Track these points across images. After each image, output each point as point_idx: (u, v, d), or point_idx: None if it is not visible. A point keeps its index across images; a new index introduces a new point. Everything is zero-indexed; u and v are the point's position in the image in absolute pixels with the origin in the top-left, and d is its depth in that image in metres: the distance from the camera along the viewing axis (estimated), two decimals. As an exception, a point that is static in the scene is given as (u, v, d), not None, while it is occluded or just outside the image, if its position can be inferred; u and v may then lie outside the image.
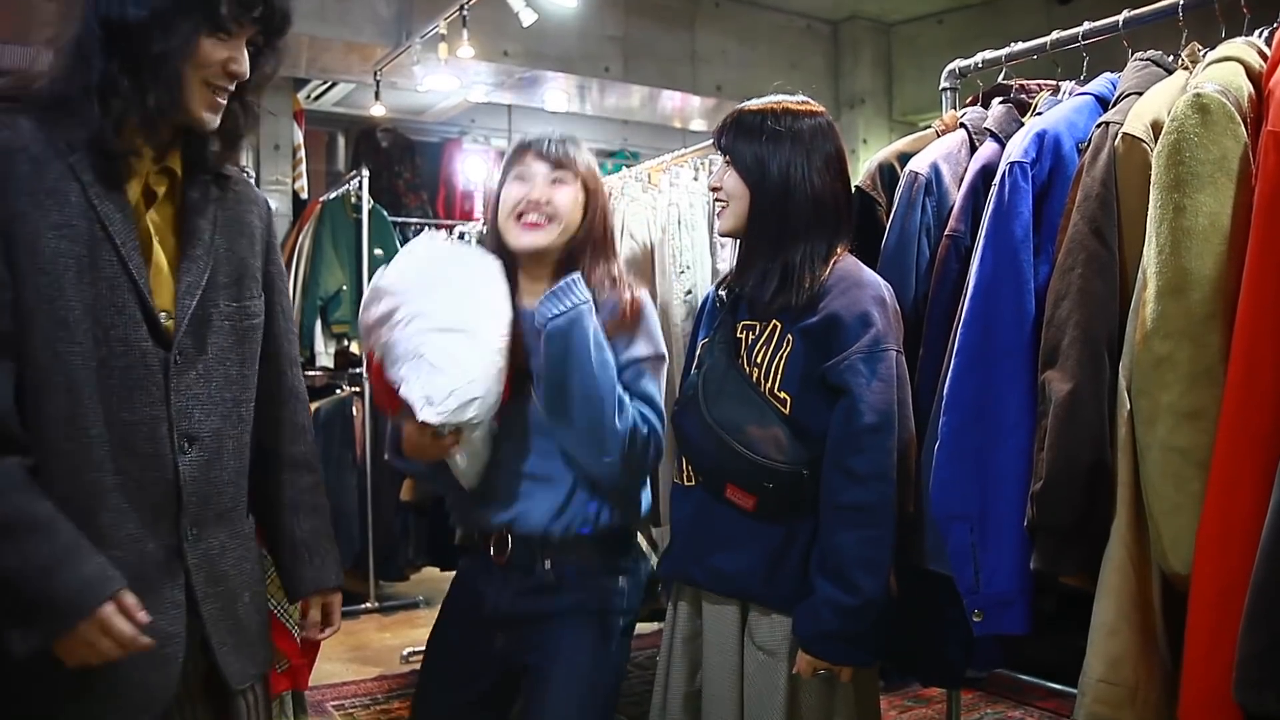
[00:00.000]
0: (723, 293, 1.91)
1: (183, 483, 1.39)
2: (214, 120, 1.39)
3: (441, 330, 1.68)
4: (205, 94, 1.37)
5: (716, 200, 1.88)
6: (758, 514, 1.74)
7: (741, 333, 1.83)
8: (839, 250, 1.81)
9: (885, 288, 1.77)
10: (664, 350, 1.92)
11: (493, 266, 1.83)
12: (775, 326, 1.77)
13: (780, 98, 1.87)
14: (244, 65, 1.38)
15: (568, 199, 1.85)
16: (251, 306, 1.50)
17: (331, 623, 1.67)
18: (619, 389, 1.78)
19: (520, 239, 1.84)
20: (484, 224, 1.97)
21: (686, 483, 1.85)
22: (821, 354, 1.71)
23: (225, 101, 1.39)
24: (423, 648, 2.03)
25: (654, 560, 2.14)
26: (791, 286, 1.75)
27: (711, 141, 1.90)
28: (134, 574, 1.30)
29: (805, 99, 1.89)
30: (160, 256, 1.40)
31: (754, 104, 1.86)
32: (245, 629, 1.49)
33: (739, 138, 1.82)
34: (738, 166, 1.81)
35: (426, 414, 1.64)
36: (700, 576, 1.82)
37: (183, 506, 1.39)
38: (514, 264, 1.88)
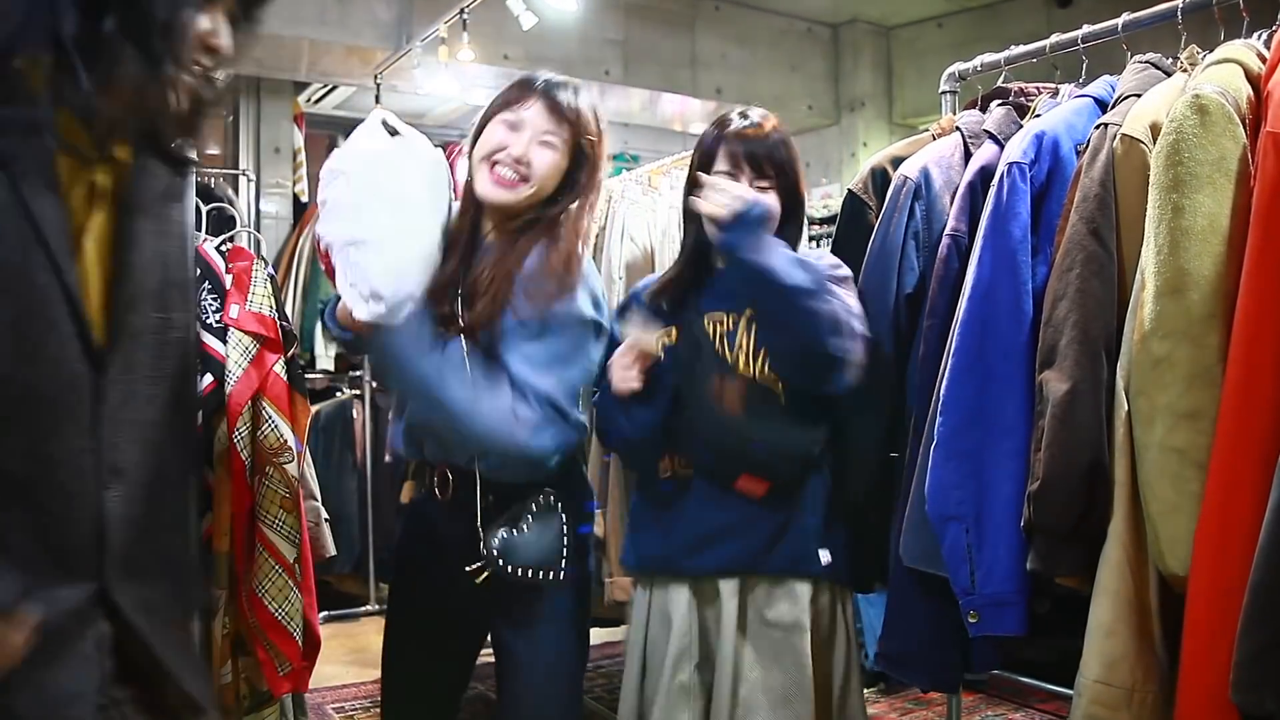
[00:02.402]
0: (663, 302, 1.91)
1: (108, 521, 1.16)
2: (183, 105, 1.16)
3: (384, 222, 1.64)
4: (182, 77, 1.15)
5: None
6: (767, 497, 1.78)
7: (710, 325, 1.84)
8: None
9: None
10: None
11: (437, 166, 1.76)
12: (750, 314, 1.81)
13: (761, 111, 1.89)
14: (225, 39, 1.17)
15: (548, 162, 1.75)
16: (176, 319, 1.27)
17: None
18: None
19: (489, 192, 1.75)
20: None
21: (680, 471, 1.85)
22: None
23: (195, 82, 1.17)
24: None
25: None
26: None
27: (737, 160, 1.82)
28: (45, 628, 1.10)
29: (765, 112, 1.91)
30: (91, 261, 1.17)
31: (760, 119, 1.86)
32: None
33: (788, 152, 1.84)
34: (782, 184, 1.83)
35: (360, 311, 1.62)
36: (704, 564, 1.81)
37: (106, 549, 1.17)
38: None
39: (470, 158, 1.79)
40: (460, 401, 1.66)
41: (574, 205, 1.78)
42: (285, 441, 2.29)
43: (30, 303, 1.08)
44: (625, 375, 1.79)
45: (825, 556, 1.79)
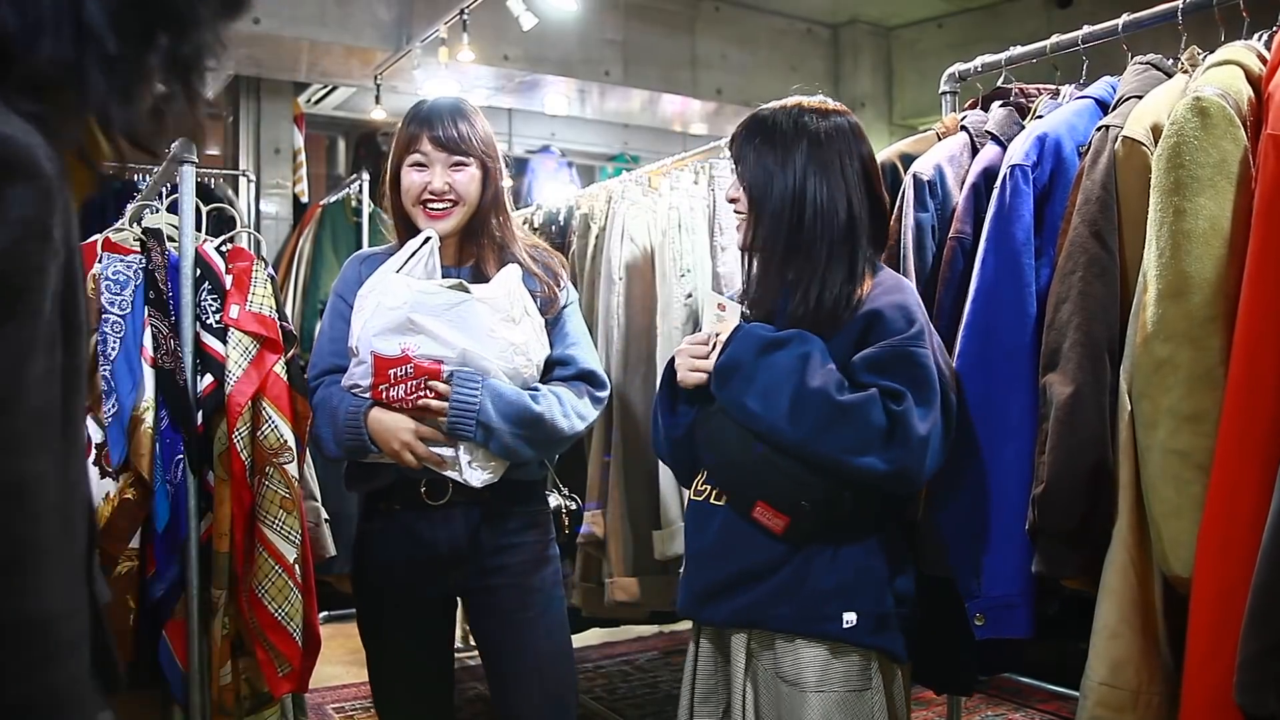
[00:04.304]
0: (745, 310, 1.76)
1: None
2: None
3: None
4: None
5: (736, 212, 1.73)
6: (785, 537, 1.60)
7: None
8: (867, 263, 1.66)
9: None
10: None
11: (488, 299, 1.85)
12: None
13: (798, 98, 1.74)
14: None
15: (467, 181, 1.91)
16: None
17: None
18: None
19: (427, 225, 1.91)
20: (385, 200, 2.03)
21: (713, 501, 1.70)
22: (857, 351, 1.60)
23: None
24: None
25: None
26: (813, 303, 1.61)
27: (716, 146, 1.84)
28: None
29: (824, 99, 1.75)
30: None
31: (769, 106, 1.74)
32: None
33: (746, 143, 1.70)
34: (743, 175, 1.68)
35: (469, 476, 1.86)
36: (721, 616, 1.70)
37: None
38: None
39: (401, 203, 1.94)
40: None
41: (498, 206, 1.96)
42: (285, 442, 2.29)
43: None
44: (695, 364, 1.68)
45: (850, 618, 1.59)
